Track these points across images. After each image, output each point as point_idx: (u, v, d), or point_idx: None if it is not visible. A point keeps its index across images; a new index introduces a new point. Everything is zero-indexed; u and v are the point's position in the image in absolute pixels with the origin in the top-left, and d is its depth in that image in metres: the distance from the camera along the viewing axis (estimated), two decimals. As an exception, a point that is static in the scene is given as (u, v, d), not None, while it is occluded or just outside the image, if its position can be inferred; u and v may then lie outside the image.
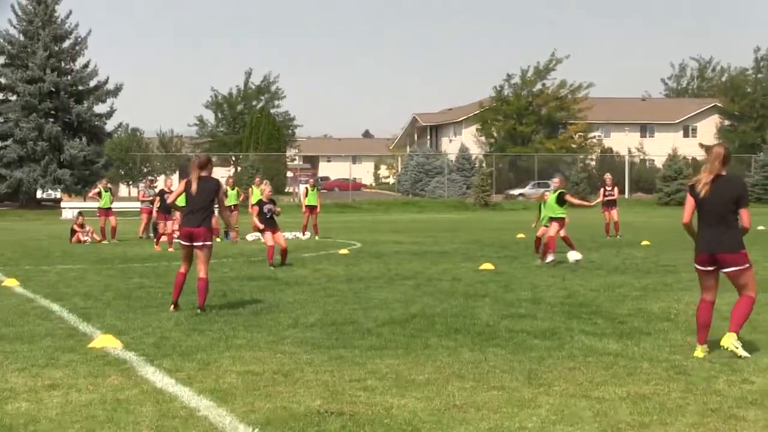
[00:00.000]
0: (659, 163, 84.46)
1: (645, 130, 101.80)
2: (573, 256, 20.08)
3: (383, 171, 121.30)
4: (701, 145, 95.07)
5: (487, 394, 7.89)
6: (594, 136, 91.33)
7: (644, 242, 26.81)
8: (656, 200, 71.81)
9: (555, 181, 21.37)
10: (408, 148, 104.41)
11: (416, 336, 10.88)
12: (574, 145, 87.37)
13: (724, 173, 9.52)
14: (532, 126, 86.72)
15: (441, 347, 10.12)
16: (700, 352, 9.49)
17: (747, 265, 9.45)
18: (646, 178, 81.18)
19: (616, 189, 31.72)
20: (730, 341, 9.24)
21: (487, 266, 19.33)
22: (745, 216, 9.43)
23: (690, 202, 9.66)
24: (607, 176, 32.66)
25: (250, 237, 28.92)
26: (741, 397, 7.72)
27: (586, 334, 10.85)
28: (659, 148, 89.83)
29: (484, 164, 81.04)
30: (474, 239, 30.17)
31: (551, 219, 20.67)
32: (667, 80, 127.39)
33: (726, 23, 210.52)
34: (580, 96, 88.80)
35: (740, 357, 9.12)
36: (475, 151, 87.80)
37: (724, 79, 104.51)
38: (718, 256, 9.43)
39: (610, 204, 30.71)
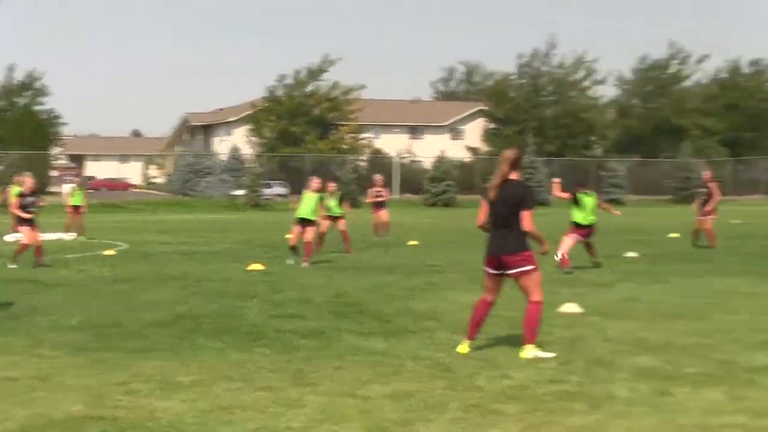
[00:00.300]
0: (428, 164, 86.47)
1: (414, 131, 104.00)
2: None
3: (153, 171, 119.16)
4: (468, 148, 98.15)
5: (254, 395, 7.83)
6: (365, 138, 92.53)
7: (412, 242, 27.32)
8: (424, 201, 73.41)
9: (315, 182, 21.54)
10: (179, 147, 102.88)
11: (183, 337, 10.71)
12: (345, 146, 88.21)
13: (513, 177, 9.64)
14: (304, 127, 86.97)
15: (208, 348, 9.99)
16: (465, 347, 9.72)
17: (530, 267, 9.55)
18: (414, 179, 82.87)
19: (385, 190, 32.28)
20: (527, 353, 9.43)
21: (257, 266, 19.24)
22: (525, 219, 9.51)
23: (483, 204, 9.78)
24: (377, 177, 33.16)
25: (9, 238, 27.74)
26: (500, 392, 7.96)
27: (354, 334, 10.95)
28: (428, 150, 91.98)
29: (255, 164, 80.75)
30: (244, 239, 30.01)
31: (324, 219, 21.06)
32: (436, 83, 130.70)
33: (493, 28, 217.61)
34: (352, 97, 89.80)
35: (547, 359, 9.31)
36: (247, 151, 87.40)
37: (489, 83, 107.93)
38: (502, 258, 9.58)
39: (379, 204, 31.25)
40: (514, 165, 9.65)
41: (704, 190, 25.43)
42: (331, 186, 24.97)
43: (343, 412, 7.27)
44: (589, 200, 18.96)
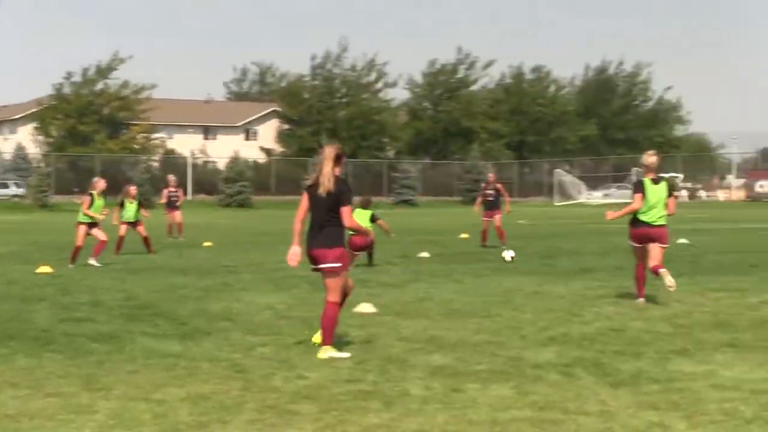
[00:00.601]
0: (222, 165, 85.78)
1: (208, 132, 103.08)
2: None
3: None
4: (262, 149, 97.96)
5: (43, 402, 7.59)
6: (157, 138, 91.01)
7: (206, 243, 27.07)
8: (218, 202, 72.83)
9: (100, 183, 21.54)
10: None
11: (-34, 344, 10.26)
12: (137, 146, 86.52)
13: (336, 173, 9.64)
14: (93, 126, 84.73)
15: (-7, 355, 9.61)
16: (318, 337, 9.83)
17: (337, 265, 9.58)
18: (209, 179, 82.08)
19: (179, 190, 31.99)
20: (323, 354, 9.46)
21: (45, 269, 18.63)
22: (345, 215, 9.58)
23: (304, 200, 9.79)
24: (171, 177, 32.75)
25: None
26: (296, 392, 7.98)
27: (147, 336, 10.76)
28: (222, 151, 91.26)
29: (42, 164, 78.17)
30: (31, 241, 29.04)
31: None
32: (229, 84, 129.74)
33: (283, 31, 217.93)
34: (143, 96, 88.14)
35: (342, 359, 9.35)
36: (33, 150, 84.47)
37: (283, 84, 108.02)
38: (314, 252, 9.61)
39: (173, 205, 31.01)
40: (336, 161, 9.66)
41: (490, 191, 26.24)
42: (133, 190, 25.01)
43: (136, 417, 7.14)
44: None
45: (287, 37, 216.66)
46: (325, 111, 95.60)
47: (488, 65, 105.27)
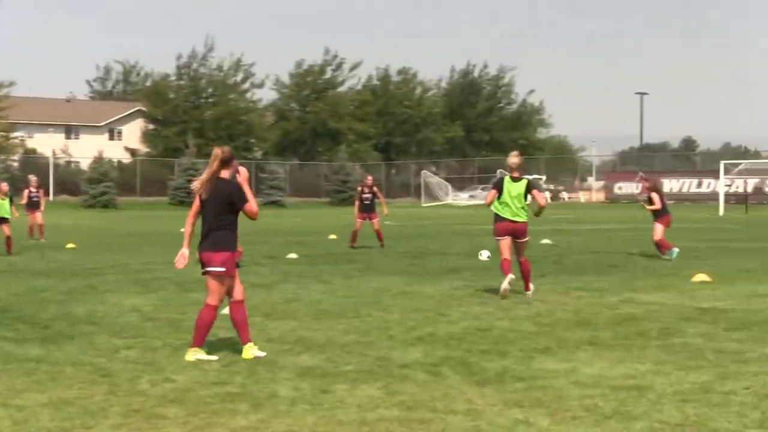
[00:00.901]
0: (85, 165, 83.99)
1: (70, 131, 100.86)
2: None
3: None
4: (126, 149, 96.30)
5: None
6: (17, 137, 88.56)
7: (70, 245, 26.49)
8: (82, 202, 71.34)
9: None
10: None
11: None
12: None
13: (223, 175, 9.58)
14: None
15: None
16: (193, 354, 9.52)
17: (220, 269, 9.53)
18: (71, 180, 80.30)
19: (41, 191, 31.23)
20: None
21: None
22: (248, 211, 9.64)
23: (195, 202, 9.68)
24: (32, 178, 31.97)
25: None
26: (163, 395, 7.89)
27: (7, 341, 10.49)
28: (85, 150, 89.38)
29: None
30: None
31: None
32: (92, 82, 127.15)
33: (150, 30, 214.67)
34: (1, 94, 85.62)
35: (210, 361, 9.26)
36: None
37: (148, 84, 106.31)
38: (203, 255, 9.55)
39: (34, 206, 30.33)
40: (224, 163, 9.61)
41: (367, 194, 26.43)
42: (5, 187, 24.99)
43: (-3, 424, 6.95)
44: None
45: (152, 36, 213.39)
46: (191, 111, 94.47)
47: (355, 67, 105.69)
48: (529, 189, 14.43)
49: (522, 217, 14.44)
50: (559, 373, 8.76)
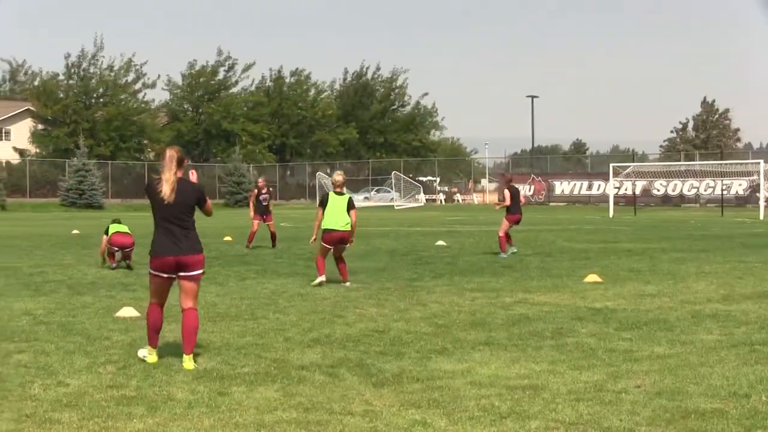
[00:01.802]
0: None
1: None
2: None
3: None
4: (15, 149, 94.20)
5: None
6: None
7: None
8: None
9: None
10: None
11: None
12: None
13: (180, 176, 9.39)
14: None
15: None
16: (154, 357, 9.45)
17: (201, 272, 9.53)
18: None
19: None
20: (190, 363, 9.19)
21: None
22: (209, 210, 9.76)
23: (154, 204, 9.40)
24: None
25: None
26: (56, 399, 7.76)
27: None
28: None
29: None
30: None
31: None
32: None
33: (36, 27, 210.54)
34: None
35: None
36: None
37: (36, 83, 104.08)
38: (180, 260, 9.32)
39: None
40: (180, 163, 9.40)
41: (264, 195, 26.59)
42: None
43: None
44: None
45: (40, 34, 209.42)
46: (81, 111, 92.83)
47: (248, 68, 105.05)
48: (349, 206, 16.74)
49: (346, 227, 16.66)
50: (455, 373, 8.87)
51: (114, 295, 14.95)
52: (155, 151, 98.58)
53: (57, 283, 16.74)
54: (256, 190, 26.95)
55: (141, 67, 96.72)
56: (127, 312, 12.63)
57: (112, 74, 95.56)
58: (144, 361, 9.39)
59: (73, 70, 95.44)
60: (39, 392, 8.05)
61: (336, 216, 16.64)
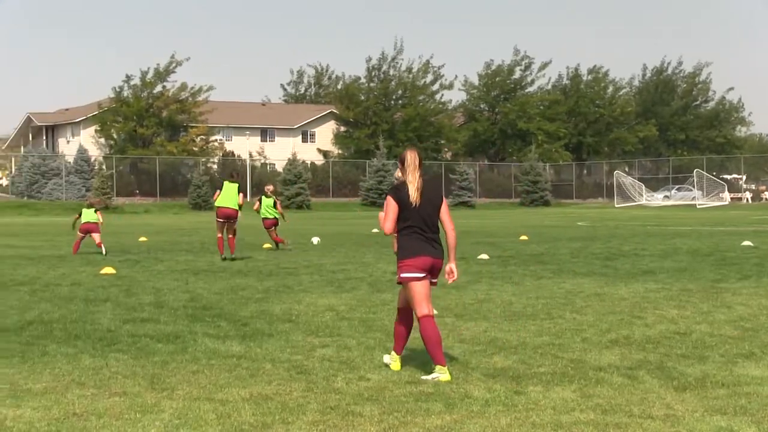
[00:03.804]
0: (279, 166, 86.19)
1: (266, 134, 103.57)
2: None
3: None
4: (319, 150, 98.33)
5: (109, 401, 7.68)
6: (216, 140, 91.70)
7: (266, 245, 27.21)
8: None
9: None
10: (22, 148, 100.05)
11: (33, 343, 10.42)
12: (195, 148, 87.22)
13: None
14: (153, 128, 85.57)
15: (60, 354, 9.75)
16: (397, 364, 9.15)
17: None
18: (267, 181, 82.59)
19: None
20: (447, 375, 8.79)
21: (108, 270, 18.87)
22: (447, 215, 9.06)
23: (393, 209, 8.84)
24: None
25: None
26: (358, 393, 7.99)
27: (210, 337, 10.85)
28: (280, 153, 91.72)
29: (104, 166, 79.19)
30: (94, 242, 29.33)
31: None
32: (286, 86, 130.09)
33: (339, 32, 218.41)
34: (201, 99, 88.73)
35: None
36: (95, 152, 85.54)
37: (339, 86, 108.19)
38: (436, 263, 8.93)
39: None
40: (422, 165, 9.08)
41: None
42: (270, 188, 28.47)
43: (200, 417, 7.19)
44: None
45: (342, 39, 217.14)
46: (381, 113, 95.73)
47: (545, 66, 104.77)
48: (239, 190, 22.12)
49: (235, 206, 21.88)
50: (764, 379, 8.44)
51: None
52: (451, 150, 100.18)
53: (358, 280, 17.29)
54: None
55: (439, 68, 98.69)
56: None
57: (411, 76, 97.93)
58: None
59: (373, 73, 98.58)
60: (342, 385, 8.32)
61: (227, 197, 22.21)
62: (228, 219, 22.07)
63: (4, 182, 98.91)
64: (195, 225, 45.99)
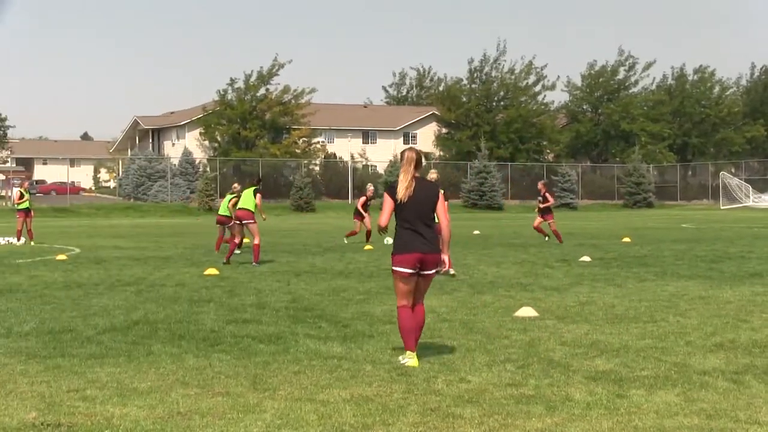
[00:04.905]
0: (381, 168, 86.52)
1: (367, 136, 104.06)
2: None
3: (104, 174, 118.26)
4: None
5: (212, 401, 7.80)
6: (318, 142, 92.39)
7: (367, 246, 27.34)
8: (379, 205, 73.49)
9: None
10: (129, 151, 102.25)
11: (138, 343, 10.65)
12: (298, 150, 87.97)
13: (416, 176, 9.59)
14: (256, 131, 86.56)
15: (164, 354, 9.94)
16: (414, 361, 9.40)
17: (437, 270, 9.66)
18: (368, 183, 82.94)
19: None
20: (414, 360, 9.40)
21: (212, 271, 19.18)
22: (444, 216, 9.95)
23: (390, 205, 9.56)
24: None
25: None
26: (458, 395, 7.99)
27: (311, 338, 10.94)
28: (381, 154, 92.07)
29: (208, 168, 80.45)
30: (198, 244, 29.86)
31: None
32: (388, 88, 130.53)
33: (442, 34, 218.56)
34: (303, 101, 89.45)
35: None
36: (199, 155, 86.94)
37: (441, 88, 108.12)
38: (426, 257, 9.40)
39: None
40: (419, 164, 9.58)
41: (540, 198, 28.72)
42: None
43: (302, 417, 7.26)
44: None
45: (445, 40, 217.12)
46: (483, 114, 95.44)
47: (649, 66, 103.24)
48: (256, 192, 22.01)
49: (249, 207, 21.78)
50: None
51: (513, 294, 15.19)
52: (553, 152, 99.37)
53: (459, 282, 17.27)
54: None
55: (541, 69, 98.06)
56: (526, 312, 12.79)
57: (513, 77, 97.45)
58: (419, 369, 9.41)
59: (475, 75, 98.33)
60: (442, 387, 8.32)
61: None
62: (240, 220, 22.10)
63: (112, 184, 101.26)
64: (296, 227, 46.41)
